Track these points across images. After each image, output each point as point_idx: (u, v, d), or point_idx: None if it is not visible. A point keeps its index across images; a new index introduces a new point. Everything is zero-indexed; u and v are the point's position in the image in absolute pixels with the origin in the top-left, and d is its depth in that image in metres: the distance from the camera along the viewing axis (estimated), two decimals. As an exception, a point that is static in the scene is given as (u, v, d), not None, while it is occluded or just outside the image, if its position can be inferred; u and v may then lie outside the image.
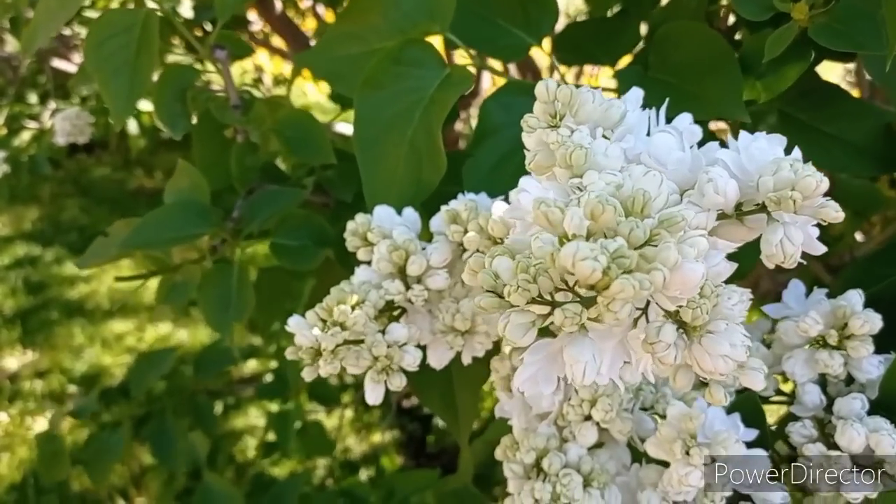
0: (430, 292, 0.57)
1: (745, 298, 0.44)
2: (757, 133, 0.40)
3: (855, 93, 1.16)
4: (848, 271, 0.71)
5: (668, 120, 0.48)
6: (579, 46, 0.75)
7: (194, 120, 0.79)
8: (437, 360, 0.59)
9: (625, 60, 0.76)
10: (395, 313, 0.59)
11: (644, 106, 0.50)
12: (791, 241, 0.36)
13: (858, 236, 1.30)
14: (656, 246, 0.32)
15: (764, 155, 0.38)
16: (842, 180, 0.95)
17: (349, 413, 2.41)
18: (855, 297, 0.55)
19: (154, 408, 1.61)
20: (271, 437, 1.72)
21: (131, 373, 1.54)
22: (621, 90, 0.65)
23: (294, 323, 0.54)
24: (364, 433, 2.42)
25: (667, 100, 0.46)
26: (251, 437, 2.39)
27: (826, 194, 0.82)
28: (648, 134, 0.45)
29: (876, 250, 0.74)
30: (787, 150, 0.64)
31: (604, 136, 0.42)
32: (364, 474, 2.10)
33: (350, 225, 0.60)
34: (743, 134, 0.40)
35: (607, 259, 0.29)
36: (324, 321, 0.54)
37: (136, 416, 1.75)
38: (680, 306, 0.35)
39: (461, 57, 0.71)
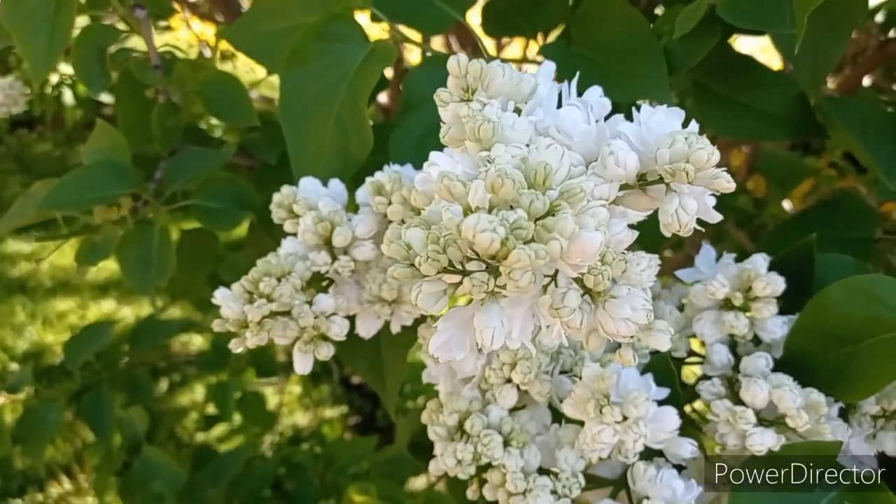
0: (356, 263, 0.57)
1: (654, 264, 0.45)
2: (658, 106, 0.41)
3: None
4: (763, 241, 0.74)
5: (581, 93, 0.49)
6: (504, 18, 0.75)
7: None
8: (366, 330, 0.60)
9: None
10: (324, 284, 0.60)
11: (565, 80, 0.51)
12: (685, 210, 0.38)
13: (786, 205, 1.35)
14: (556, 216, 0.33)
15: (662, 128, 0.39)
16: (767, 152, 0.98)
17: (297, 389, 2.41)
18: (759, 260, 0.57)
19: (90, 381, 1.60)
20: (212, 409, 1.71)
21: (68, 347, 1.52)
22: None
23: (220, 295, 0.54)
24: (312, 409, 2.42)
25: (577, 73, 0.47)
26: (197, 414, 2.38)
27: (750, 166, 0.83)
28: (560, 107, 0.47)
29: (788, 219, 0.76)
30: (703, 121, 0.66)
31: (516, 110, 0.42)
32: (308, 446, 2.11)
33: (276, 197, 0.60)
34: (644, 107, 0.41)
35: (506, 230, 0.30)
36: (250, 293, 0.54)
37: (72, 391, 1.73)
38: (583, 273, 0.37)
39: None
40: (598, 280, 0.36)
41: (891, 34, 0.89)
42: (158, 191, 0.72)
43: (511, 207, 0.32)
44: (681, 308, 0.64)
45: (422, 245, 0.35)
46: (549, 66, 0.48)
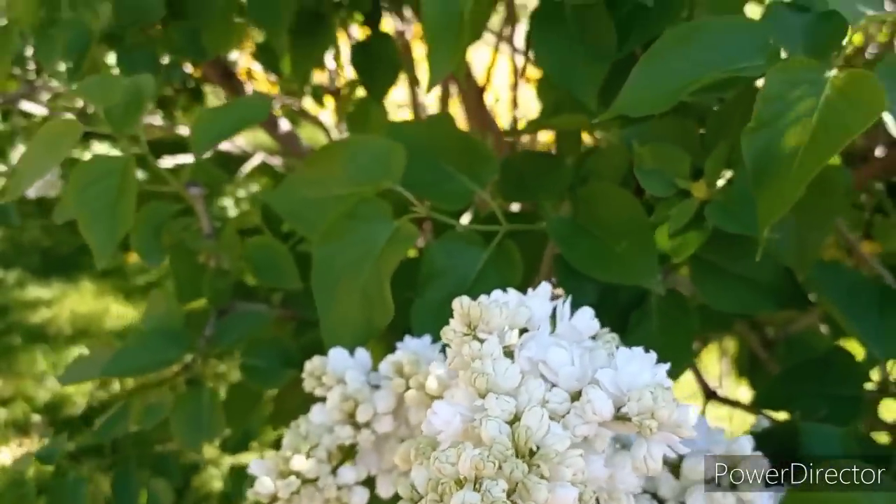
0: (377, 435, 0.68)
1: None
2: (634, 350, 0.52)
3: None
4: (762, 392, 0.84)
5: (578, 304, 0.59)
6: (521, 183, 0.85)
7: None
8: (385, 492, 0.70)
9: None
10: (349, 446, 0.71)
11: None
12: (652, 458, 0.48)
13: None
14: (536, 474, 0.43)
15: (634, 379, 0.49)
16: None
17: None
18: (745, 443, 0.66)
19: (119, 458, 1.72)
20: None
21: (102, 425, 1.64)
22: (552, 236, 0.76)
23: (256, 468, 0.65)
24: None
25: (570, 297, 0.57)
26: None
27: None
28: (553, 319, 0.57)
29: (786, 370, 0.86)
30: (701, 294, 0.76)
31: (506, 349, 0.53)
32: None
33: (307, 366, 0.71)
34: (621, 352, 0.51)
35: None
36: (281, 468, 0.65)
37: (101, 465, 1.86)
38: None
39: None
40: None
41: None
42: (208, 348, 0.84)
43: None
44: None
45: (424, 489, 0.45)
46: (545, 288, 0.58)
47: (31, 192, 1.74)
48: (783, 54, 0.62)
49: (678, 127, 0.72)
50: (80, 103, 2.33)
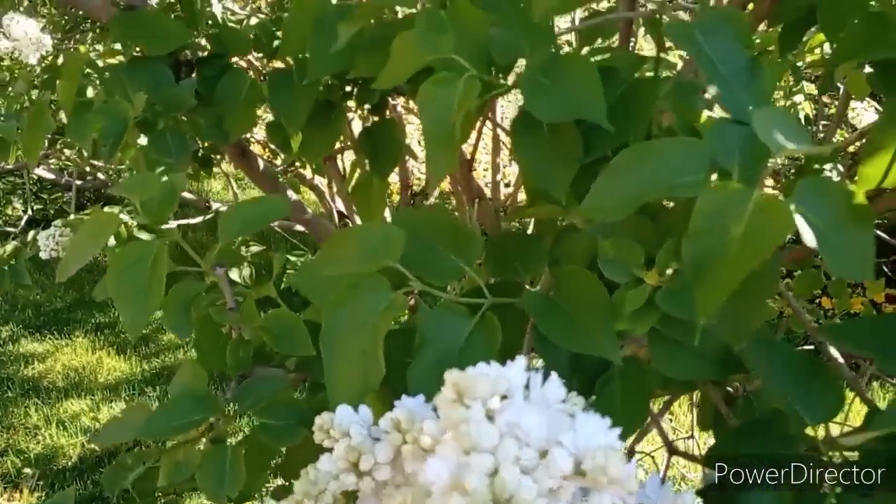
0: (376, 482, 0.80)
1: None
2: (591, 415, 0.64)
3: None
4: (715, 447, 0.95)
5: (552, 367, 0.72)
6: (504, 260, 0.98)
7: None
8: (382, 534, 0.82)
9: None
10: (351, 492, 0.82)
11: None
12: (603, 507, 0.60)
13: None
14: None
15: (589, 440, 0.62)
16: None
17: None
18: (688, 498, 0.78)
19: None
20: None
21: (106, 476, 1.74)
22: (528, 310, 0.88)
23: (273, 508, 0.77)
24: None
25: (543, 369, 0.70)
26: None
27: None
28: (527, 387, 0.69)
29: (738, 426, 0.98)
30: (654, 361, 0.89)
31: (488, 413, 0.65)
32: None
33: (317, 421, 0.82)
34: (580, 417, 0.64)
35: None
36: (295, 511, 0.77)
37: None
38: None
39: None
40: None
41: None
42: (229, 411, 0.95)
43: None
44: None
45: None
46: (521, 362, 0.71)
47: (44, 255, 1.84)
48: (723, 165, 0.75)
49: (635, 223, 0.85)
50: (87, 167, 2.48)
